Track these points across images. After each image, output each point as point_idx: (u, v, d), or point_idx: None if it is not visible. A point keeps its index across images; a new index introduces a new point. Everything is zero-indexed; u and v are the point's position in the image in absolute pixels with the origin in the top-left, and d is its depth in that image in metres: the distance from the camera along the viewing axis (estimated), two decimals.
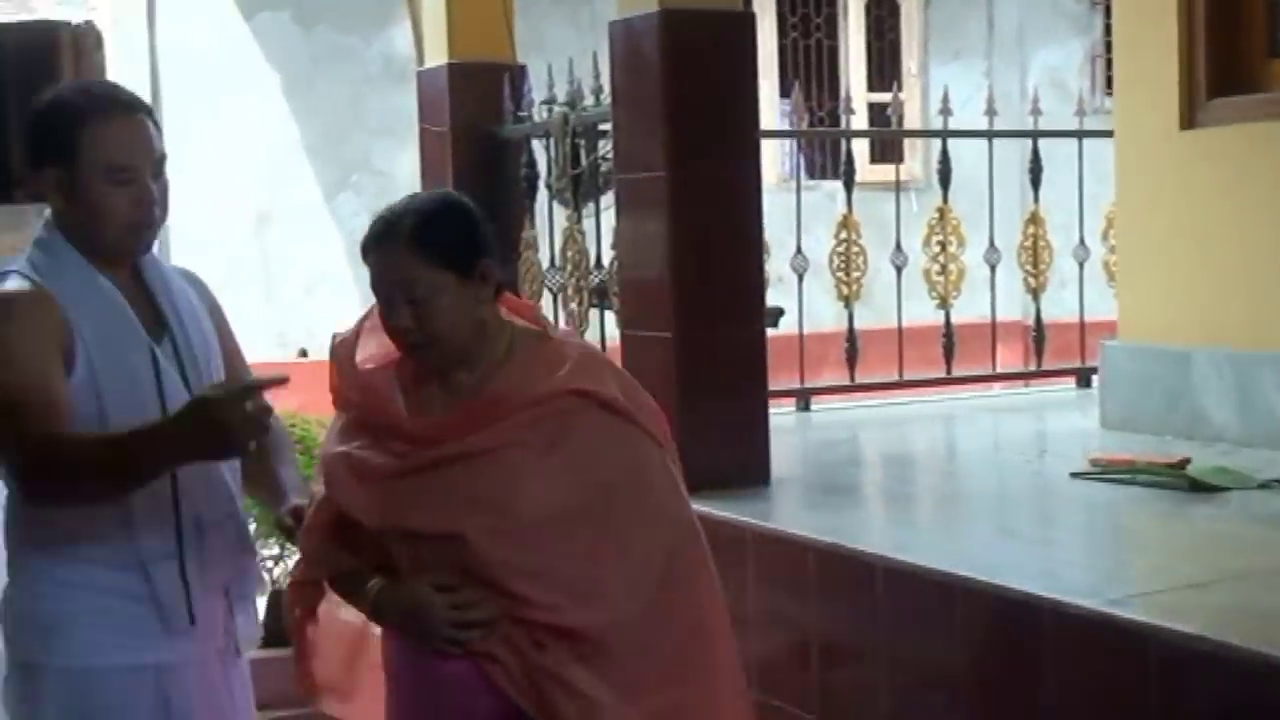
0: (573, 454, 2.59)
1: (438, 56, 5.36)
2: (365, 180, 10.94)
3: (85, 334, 2.67)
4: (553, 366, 2.62)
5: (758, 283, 4.18)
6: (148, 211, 2.74)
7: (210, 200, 10.33)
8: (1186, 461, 3.98)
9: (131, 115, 2.75)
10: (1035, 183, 5.93)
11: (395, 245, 2.56)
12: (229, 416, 2.42)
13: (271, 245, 10.65)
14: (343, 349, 2.71)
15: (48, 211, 2.78)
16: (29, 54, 12.44)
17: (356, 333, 2.72)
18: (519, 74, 5.22)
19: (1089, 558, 3.47)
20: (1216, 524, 3.61)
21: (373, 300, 2.64)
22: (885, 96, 8.62)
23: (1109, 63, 12.83)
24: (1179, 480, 3.88)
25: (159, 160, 2.77)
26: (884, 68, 12.25)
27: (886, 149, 10.96)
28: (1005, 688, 2.98)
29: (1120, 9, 5.10)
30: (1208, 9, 4.66)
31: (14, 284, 2.68)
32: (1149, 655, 2.65)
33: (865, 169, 8.68)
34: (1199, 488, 3.82)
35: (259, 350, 10.57)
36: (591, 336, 4.89)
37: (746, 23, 4.17)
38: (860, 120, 11.01)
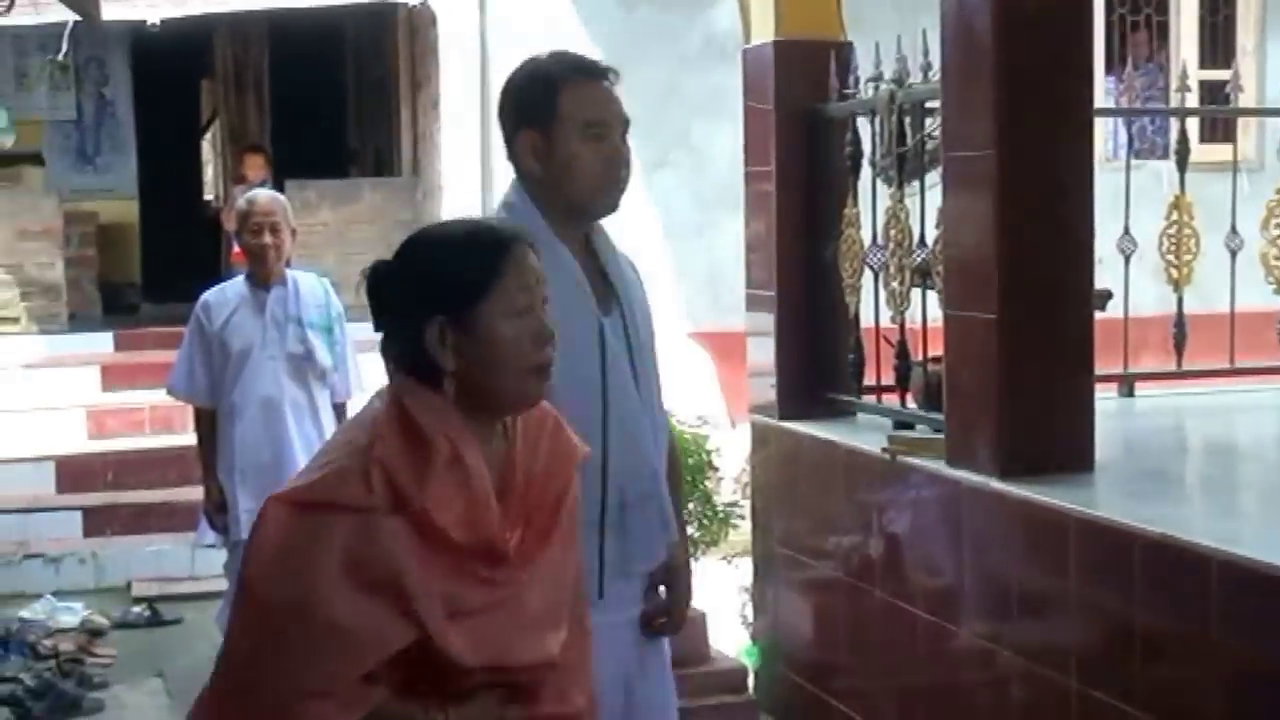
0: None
1: (764, 34, 5.36)
2: (683, 158, 11.03)
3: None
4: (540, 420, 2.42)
5: (1087, 265, 4.06)
6: (620, 169, 2.89)
7: None
8: None
9: (604, 78, 2.90)
10: None
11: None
12: None
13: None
14: (395, 444, 2.25)
15: (513, 177, 2.94)
16: (368, 33, 12.98)
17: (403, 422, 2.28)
18: (846, 51, 5.18)
19: None
20: None
21: None
22: (1218, 74, 8.29)
23: None
24: None
25: (627, 123, 2.93)
26: (1217, 44, 11.77)
27: (1217, 128, 10.53)
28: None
29: None
30: None
31: None
32: None
33: (1195, 148, 8.34)
34: None
35: None
36: (913, 316, 4.83)
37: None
38: (1193, 99, 10.61)
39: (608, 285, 2.93)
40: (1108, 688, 3.47)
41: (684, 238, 10.98)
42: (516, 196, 2.92)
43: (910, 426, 4.73)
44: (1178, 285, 5.43)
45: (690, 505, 5.29)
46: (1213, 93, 10.42)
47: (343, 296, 5.90)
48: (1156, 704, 3.34)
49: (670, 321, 10.94)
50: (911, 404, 4.83)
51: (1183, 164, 5.38)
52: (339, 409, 5.76)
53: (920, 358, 4.83)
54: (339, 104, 14.77)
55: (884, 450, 4.48)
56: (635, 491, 2.87)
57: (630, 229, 12.03)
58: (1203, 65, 11.34)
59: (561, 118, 2.84)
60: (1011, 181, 3.95)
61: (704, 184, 10.94)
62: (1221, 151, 7.73)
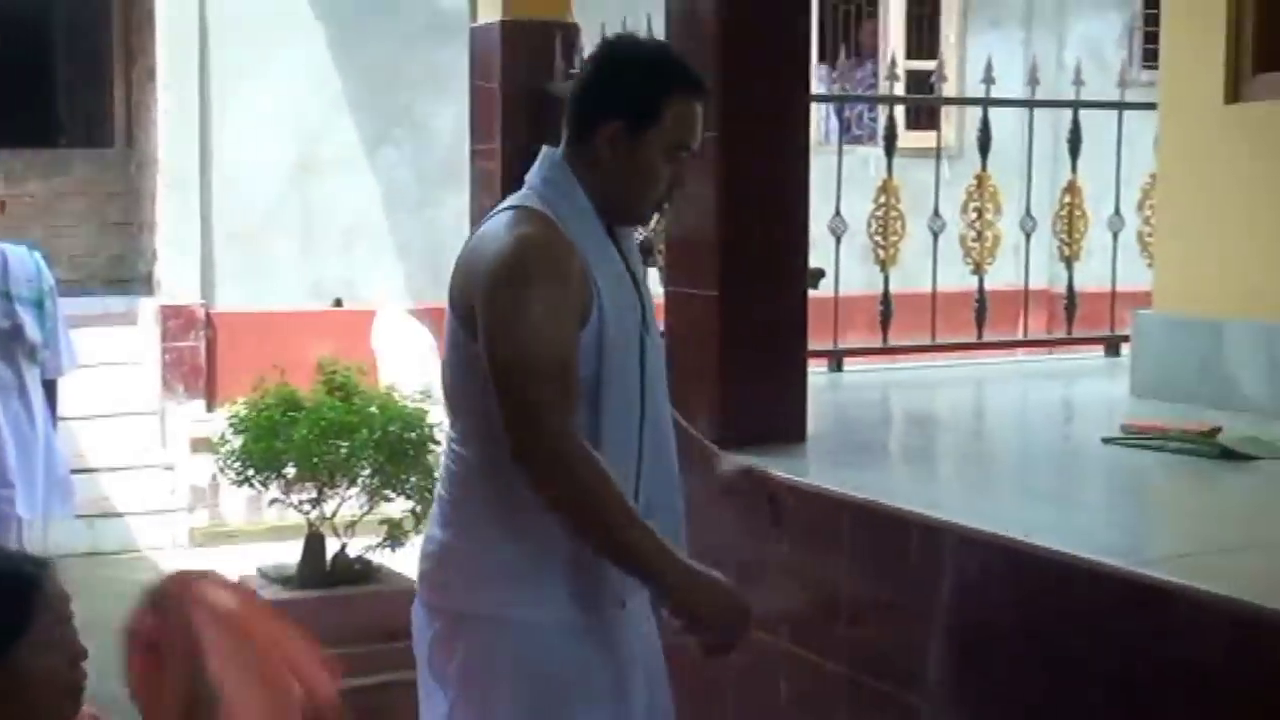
0: None
1: (491, 13, 5.42)
2: (405, 133, 11.00)
3: (602, 293, 2.68)
4: None
5: (802, 245, 4.23)
6: (675, 191, 2.82)
7: (253, 149, 10.42)
8: (1218, 430, 4.03)
9: (705, 98, 2.82)
10: (1074, 152, 5.94)
11: None
12: (741, 626, 2.63)
13: (311, 195, 10.73)
14: None
15: (552, 151, 2.80)
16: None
17: None
18: (572, 33, 5.28)
19: (1121, 520, 3.55)
20: (1247, 492, 3.68)
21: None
22: (923, 64, 8.64)
23: (1147, 35, 12.84)
24: (1210, 448, 3.93)
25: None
26: (923, 36, 12.26)
27: (921, 116, 10.97)
28: (1036, 644, 3.05)
29: None
30: None
31: (538, 229, 2.66)
32: (1179, 616, 2.71)
33: (902, 135, 8.69)
34: (1230, 456, 3.87)
35: (294, 299, 10.74)
36: None
37: None
38: (899, 88, 11.04)
39: (634, 281, 2.83)
40: (814, 647, 3.62)
41: (405, 213, 10.94)
42: (561, 176, 2.76)
43: None
44: (884, 265, 5.68)
45: (412, 479, 5.32)
46: (919, 82, 10.87)
47: (54, 270, 5.74)
48: (859, 662, 3.51)
49: (392, 297, 10.93)
50: None
51: (890, 150, 5.62)
52: (49, 386, 5.61)
53: None
54: (48, 72, 14.23)
55: None
56: (659, 500, 2.80)
57: (351, 203, 12.02)
58: (910, 56, 11.81)
59: (660, 127, 2.73)
60: (733, 163, 4.08)
61: (426, 160, 10.92)
62: (926, 138, 8.08)
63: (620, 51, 2.87)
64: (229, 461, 5.25)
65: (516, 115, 5.30)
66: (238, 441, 5.24)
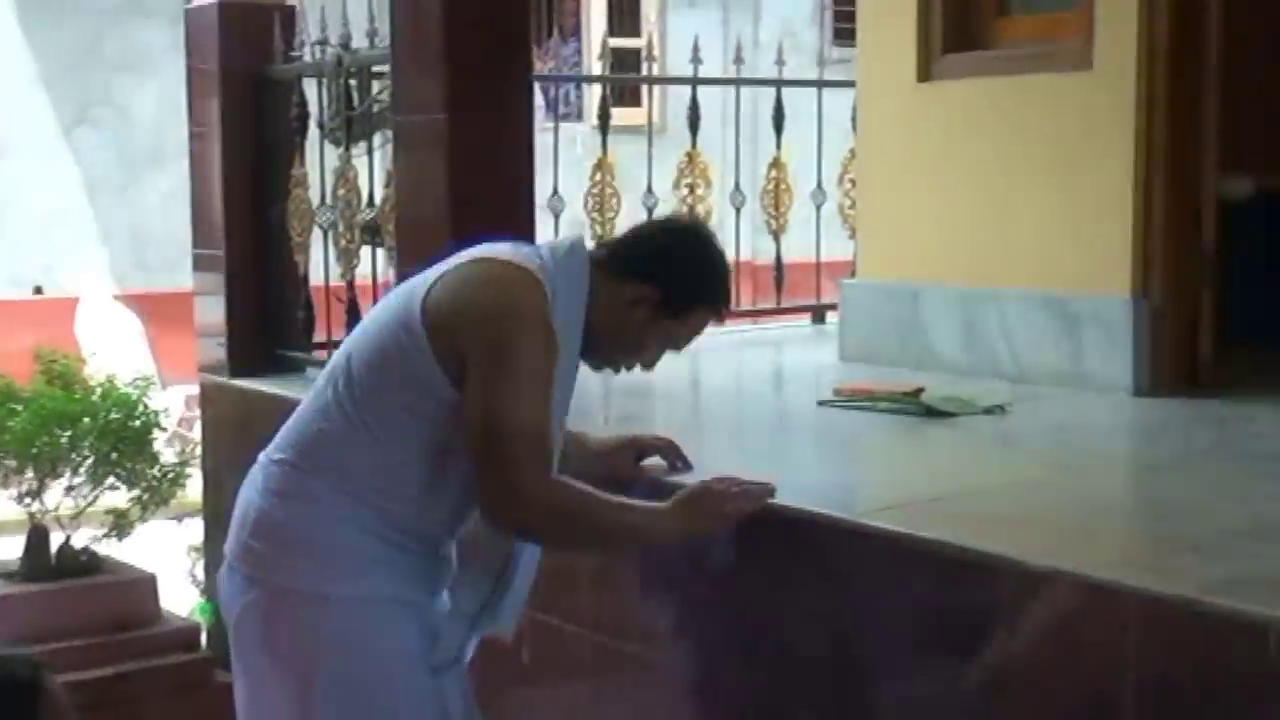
0: None
1: None
2: (104, 115, 10.74)
3: (561, 359, 2.83)
4: None
5: (531, 223, 4.37)
6: (638, 368, 3.07)
7: None
8: (921, 389, 4.32)
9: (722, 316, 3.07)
10: (779, 128, 6.21)
11: None
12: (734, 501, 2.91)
13: (4, 181, 10.39)
14: None
15: (585, 247, 2.98)
16: None
17: None
18: (290, 14, 5.28)
19: (834, 475, 3.77)
20: (950, 445, 3.94)
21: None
22: (627, 43, 8.84)
23: (838, 15, 13.37)
24: (915, 407, 4.21)
25: None
26: (624, 16, 12.52)
27: (624, 94, 11.22)
28: (763, 596, 3.23)
29: None
30: None
31: (540, 301, 2.79)
32: (899, 560, 2.93)
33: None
34: (932, 413, 4.15)
35: None
36: (363, 272, 5.02)
37: None
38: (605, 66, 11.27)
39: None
40: (560, 614, 3.75)
41: (107, 196, 10.69)
42: (580, 272, 2.94)
43: None
44: (603, 239, 5.85)
45: (138, 466, 5.28)
46: (621, 60, 11.11)
47: None
48: (601, 623, 3.65)
49: (97, 284, 10.67)
50: None
51: (604, 128, 5.77)
52: None
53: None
54: None
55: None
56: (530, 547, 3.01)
57: (50, 189, 11.72)
58: (612, 34, 12.06)
59: (681, 319, 2.99)
60: (459, 143, 4.20)
61: (127, 142, 10.69)
62: (628, 115, 8.29)
63: (700, 246, 3.07)
64: None
65: (235, 98, 5.28)
66: None
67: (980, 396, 4.30)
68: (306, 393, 3.04)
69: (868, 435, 4.12)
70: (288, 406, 4.88)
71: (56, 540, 5.23)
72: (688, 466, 3.31)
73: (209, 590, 5.53)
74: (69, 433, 5.11)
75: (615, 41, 11.97)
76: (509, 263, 2.83)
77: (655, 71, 11.57)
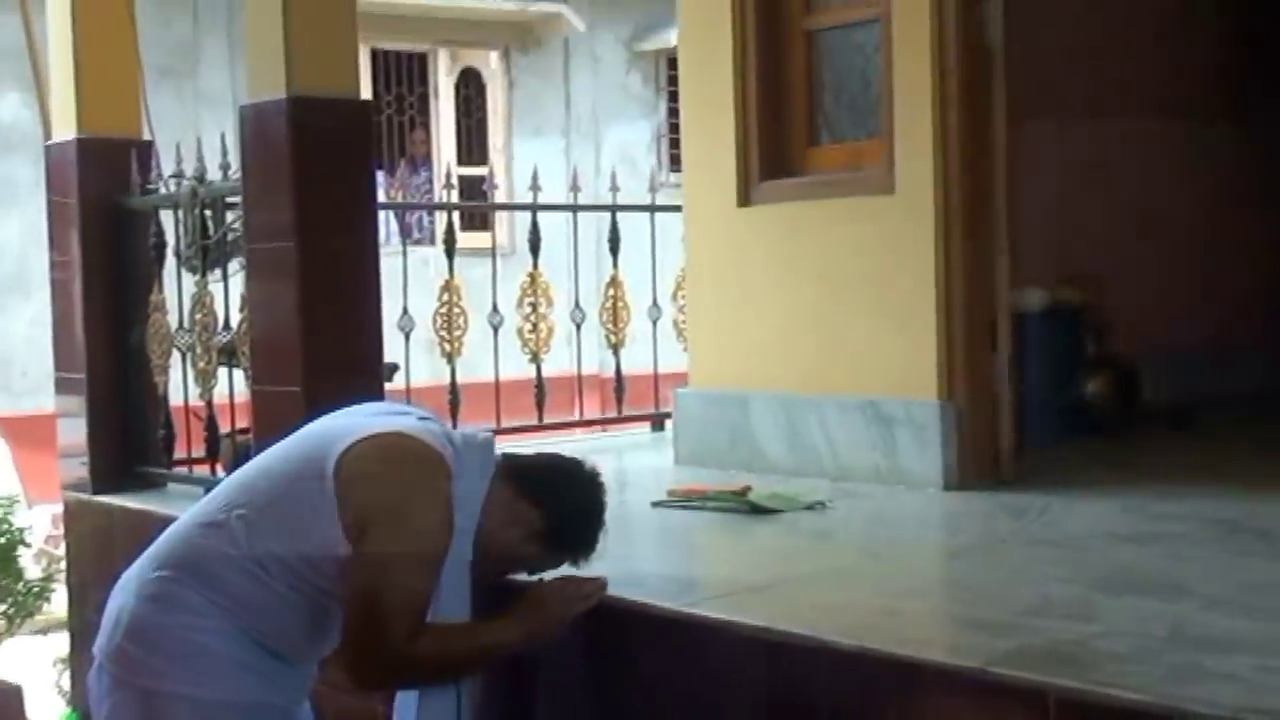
0: None
1: (66, 130, 5.42)
2: None
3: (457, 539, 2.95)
4: None
5: (377, 340, 4.45)
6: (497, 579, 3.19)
7: None
8: (748, 489, 4.46)
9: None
10: (614, 250, 6.36)
11: None
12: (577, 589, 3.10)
13: None
14: None
15: (494, 451, 3.12)
16: None
17: None
18: (146, 149, 5.35)
19: (669, 569, 3.87)
20: (773, 539, 4.06)
21: None
22: (475, 170, 8.99)
23: (674, 142, 13.69)
24: (742, 505, 4.34)
25: None
26: (473, 143, 12.70)
27: (475, 219, 11.37)
28: (601, 687, 3.33)
29: (686, 100, 5.60)
30: (758, 103, 5.21)
31: (445, 480, 2.92)
32: (723, 645, 3.03)
33: (462, 237, 9.01)
34: (758, 510, 4.29)
35: None
36: (220, 391, 5.05)
37: (365, 108, 4.48)
38: (454, 195, 11.42)
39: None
40: None
41: None
42: (486, 466, 3.08)
43: None
44: (450, 358, 5.92)
45: (4, 582, 5.23)
46: (470, 186, 11.27)
47: None
48: None
49: None
50: (221, 472, 5.03)
51: (450, 251, 5.88)
52: None
53: (229, 430, 5.05)
54: None
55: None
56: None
57: None
58: (461, 162, 12.22)
59: (550, 553, 3.14)
60: (308, 268, 4.28)
61: None
62: (479, 239, 8.41)
63: (591, 491, 3.21)
64: None
65: (95, 228, 5.32)
66: None
67: (803, 494, 4.45)
68: (186, 510, 3.08)
69: (698, 532, 4.24)
70: (150, 520, 4.97)
71: None
72: None
73: (74, 699, 5.47)
74: None
75: (463, 170, 12.21)
76: (424, 442, 2.93)
77: (502, 198, 11.84)
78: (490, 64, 12.87)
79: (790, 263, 5.09)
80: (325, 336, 4.30)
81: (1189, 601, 3.06)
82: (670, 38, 13.59)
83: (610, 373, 6.57)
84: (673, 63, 13.80)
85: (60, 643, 5.67)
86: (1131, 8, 6.04)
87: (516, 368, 6.25)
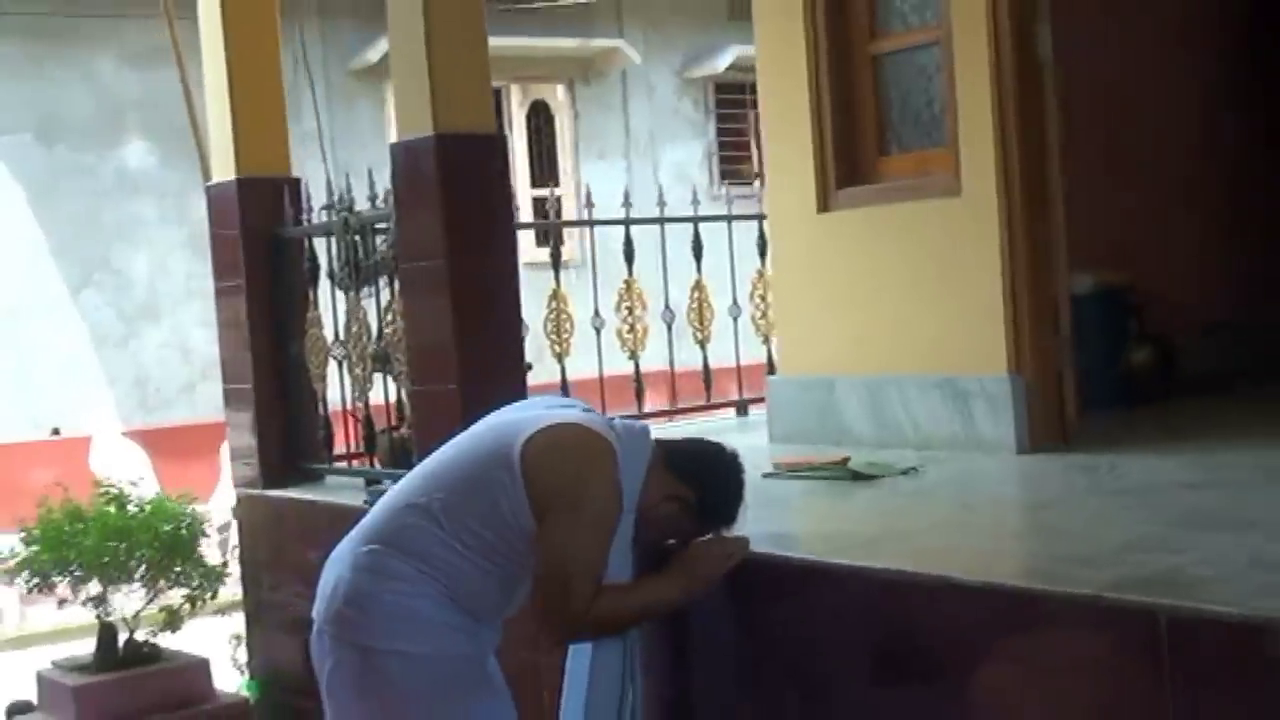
0: None
1: (225, 172, 5.67)
2: (106, 278, 10.95)
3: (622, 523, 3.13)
4: None
5: (518, 343, 4.68)
6: (657, 543, 3.34)
7: None
8: (847, 459, 4.64)
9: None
10: (698, 255, 6.51)
11: None
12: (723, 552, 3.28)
13: (23, 336, 10.55)
14: None
15: (650, 436, 3.28)
16: None
17: None
18: (297, 185, 5.61)
19: (792, 528, 4.04)
20: (876, 500, 4.23)
21: None
22: (544, 191, 9.11)
23: (723, 159, 13.88)
24: (844, 473, 4.53)
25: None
26: (544, 167, 12.93)
27: (547, 235, 11.55)
28: (743, 632, 3.51)
29: (766, 112, 5.72)
30: (833, 121, 5.37)
31: (611, 460, 3.10)
32: (853, 588, 3.20)
33: (531, 252, 9.15)
34: (859, 477, 4.46)
35: (12, 429, 10.48)
36: (376, 394, 5.28)
37: (501, 143, 4.71)
38: (526, 213, 11.62)
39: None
40: None
41: (110, 348, 10.88)
42: (645, 451, 3.25)
43: (378, 482, 5.15)
44: (560, 358, 6.12)
45: (186, 568, 5.48)
46: (540, 206, 11.50)
47: None
48: None
49: (107, 423, 10.81)
50: (379, 465, 5.27)
51: (556, 265, 6.05)
52: None
53: (384, 427, 5.28)
54: None
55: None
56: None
57: (62, 343, 11.82)
58: (534, 184, 12.45)
59: (698, 524, 3.30)
60: (458, 283, 4.51)
61: (125, 300, 10.90)
62: (543, 254, 8.43)
63: (733, 462, 3.42)
64: (19, 571, 5.31)
65: (256, 256, 5.58)
66: (25, 552, 5.31)
67: (895, 462, 4.63)
68: (386, 496, 3.29)
69: (809, 498, 4.40)
70: (315, 509, 5.22)
71: (122, 636, 5.42)
72: None
73: (253, 669, 5.72)
74: (125, 544, 5.32)
75: (536, 192, 12.45)
76: (594, 432, 3.14)
77: (569, 214, 12.03)
78: (557, 96, 13.12)
79: (868, 260, 5.25)
80: (476, 340, 4.52)
81: (1259, 534, 3.23)
82: (717, 65, 13.80)
83: (688, 366, 6.69)
84: (719, 87, 14.17)
85: (236, 622, 5.93)
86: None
87: (616, 364, 6.40)
